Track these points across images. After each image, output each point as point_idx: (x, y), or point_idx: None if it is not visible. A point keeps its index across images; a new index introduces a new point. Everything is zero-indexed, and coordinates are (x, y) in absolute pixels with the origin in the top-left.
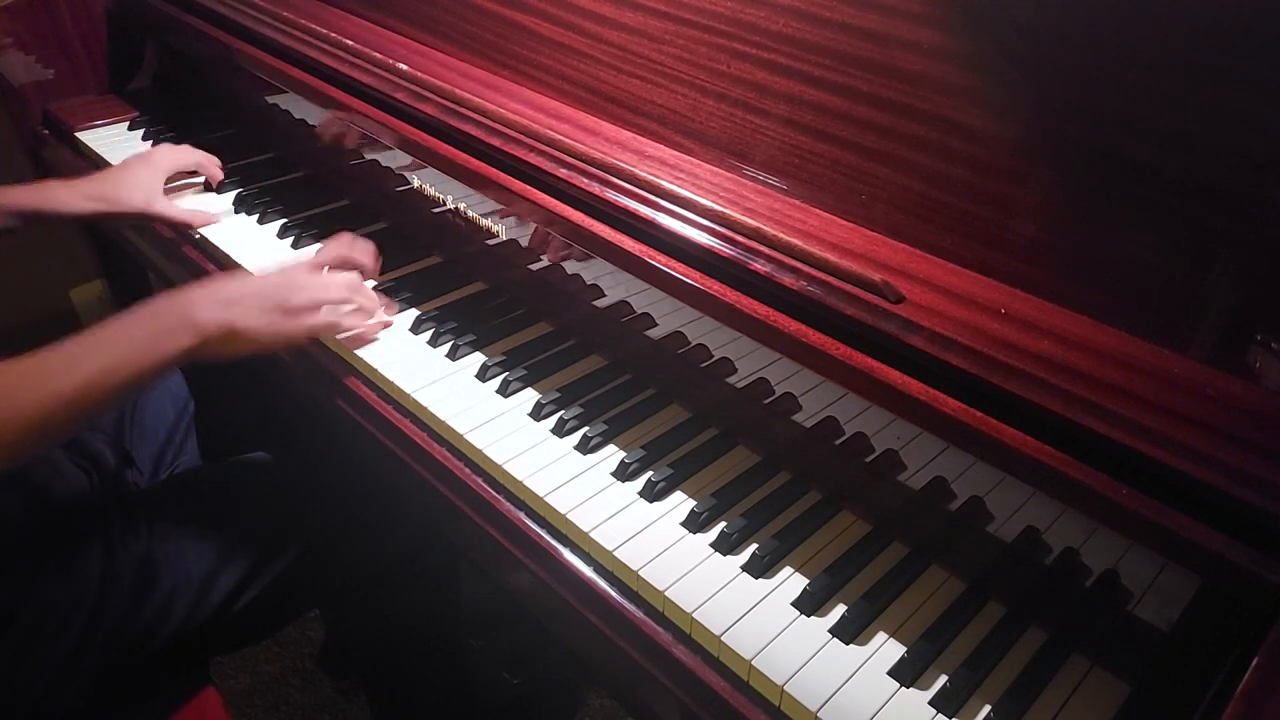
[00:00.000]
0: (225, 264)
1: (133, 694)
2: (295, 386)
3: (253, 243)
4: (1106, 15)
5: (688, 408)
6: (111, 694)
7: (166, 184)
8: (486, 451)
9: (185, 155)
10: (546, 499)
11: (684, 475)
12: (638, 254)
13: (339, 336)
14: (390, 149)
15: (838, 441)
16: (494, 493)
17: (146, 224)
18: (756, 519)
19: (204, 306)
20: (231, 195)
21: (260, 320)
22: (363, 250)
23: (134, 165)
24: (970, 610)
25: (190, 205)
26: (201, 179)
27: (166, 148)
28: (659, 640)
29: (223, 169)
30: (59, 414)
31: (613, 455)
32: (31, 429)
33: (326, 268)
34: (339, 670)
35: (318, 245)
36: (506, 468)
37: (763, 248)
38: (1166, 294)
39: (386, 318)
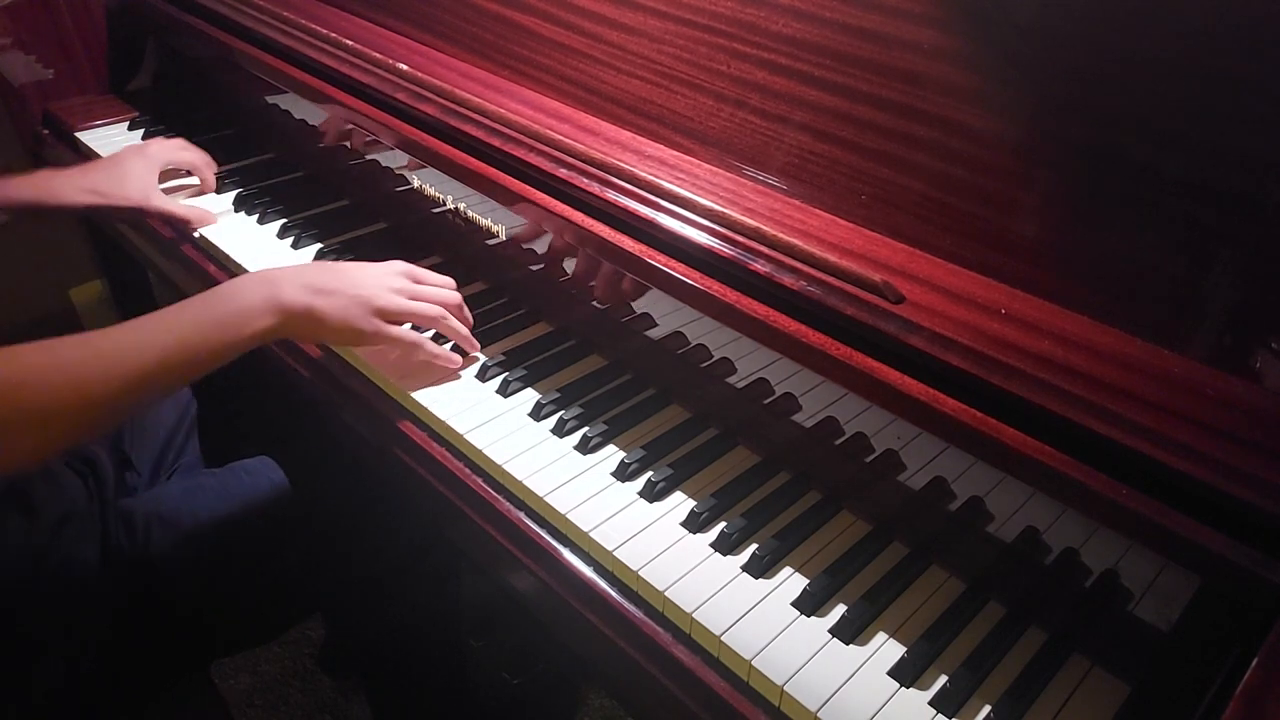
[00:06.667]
0: (225, 264)
1: (133, 695)
2: (298, 389)
3: (253, 243)
4: (1106, 15)
5: (688, 408)
6: (112, 695)
7: (166, 180)
8: (486, 452)
9: (180, 153)
10: (546, 499)
11: (684, 475)
12: (637, 254)
13: (414, 357)
14: (390, 149)
15: (838, 441)
16: (494, 493)
17: (142, 219)
18: (756, 519)
19: (291, 288)
20: (231, 195)
21: (343, 313)
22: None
23: (128, 157)
24: (970, 610)
25: (189, 203)
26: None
27: (160, 141)
28: (659, 640)
29: (219, 171)
30: (132, 389)
31: (613, 455)
32: (104, 403)
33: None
34: (339, 670)
35: (317, 246)
36: (506, 468)
37: (762, 248)
38: (1166, 294)
39: (469, 356)
